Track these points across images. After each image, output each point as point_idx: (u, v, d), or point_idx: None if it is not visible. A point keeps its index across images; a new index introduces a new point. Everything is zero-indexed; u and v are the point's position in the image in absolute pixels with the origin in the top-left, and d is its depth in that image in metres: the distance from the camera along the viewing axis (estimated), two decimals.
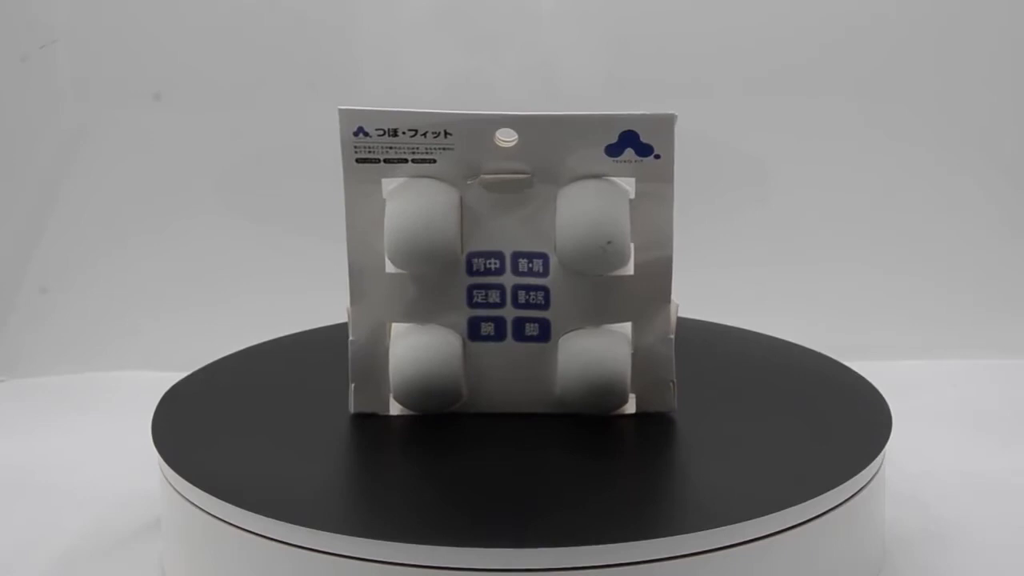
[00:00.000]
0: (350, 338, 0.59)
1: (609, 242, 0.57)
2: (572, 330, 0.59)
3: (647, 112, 0.56)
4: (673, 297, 0.60)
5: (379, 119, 0.56)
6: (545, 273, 0.59)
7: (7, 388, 0.83)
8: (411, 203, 0.57)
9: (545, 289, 0.59)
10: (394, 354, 0.59)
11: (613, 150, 0.57)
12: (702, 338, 0.69)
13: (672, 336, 0.60)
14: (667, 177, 0.58)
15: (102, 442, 0.73)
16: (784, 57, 0.88)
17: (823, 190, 0.88)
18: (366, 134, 0.56)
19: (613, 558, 0.49)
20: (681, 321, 0.71)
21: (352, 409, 0.60)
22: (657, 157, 0.57)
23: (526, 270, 0.58)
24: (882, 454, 0.57)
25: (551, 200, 0.58)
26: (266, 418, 0.60)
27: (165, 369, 0.74)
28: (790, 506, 0.51)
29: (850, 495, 0.54)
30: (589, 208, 0.57)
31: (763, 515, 0.51)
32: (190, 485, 0.54)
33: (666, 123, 0.56)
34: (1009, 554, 0.60)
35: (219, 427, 0.59)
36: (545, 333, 0.59)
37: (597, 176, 0.58)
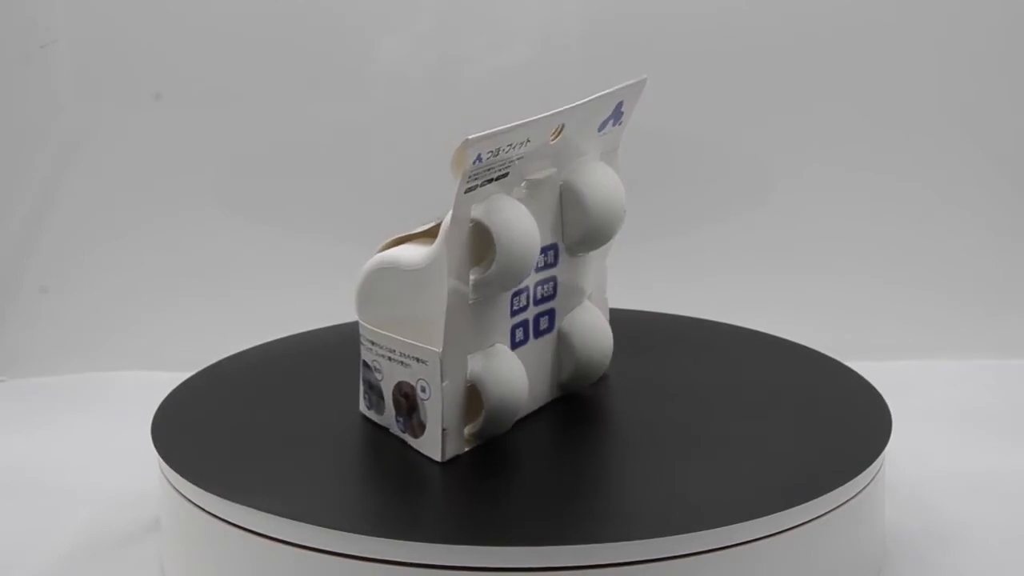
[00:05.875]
0: (443, 383, 0.55)
1: (624, 210, 0.59)
2: (566, 314, 0.60)
3: (627, 82, 0.58)
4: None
5: (494, 140, 0.52)
6: (556, 263, 0.59)
7: (7, 388, 0.83)
8: (519, 223, 0.54)
9: (555, 280, 0.59)
10: (494, 384, 0.56)
11: (602, 125, 0.58)
12: (703, 337, 0.69)
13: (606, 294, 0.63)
14: (618, 141, 0.59)
15: (102, 442, 0.73)
16: (785, 59, 0.88)
17: (824, 191, 0.88)
18: (481, 160, 0.53)
19: (612, 558, 0.49)
20: (682, 320, 0.71)
21: (442, 457, 0.55)
22: (621, 124, 0.59)
23: (542, 264, 0.59)
24: (882, 455, 0.57)
25: (556, 188, 0.58)
26: (266, 418, 0.60)
27: (165, 369, 0.74)
28: (791, 507, 0.51)
29: (850, 496, 0.54)
30: (609, 182, 0.58)
31: (764, 516, 0.51)
32: (190, 485, 0.54)
33: (640, 87, 0.58)
34: (1009, 554, 0.60)
35: (219, 427, 0.60)
36: (552, 323, 0.60)
37: (582, 154, 0.58)
